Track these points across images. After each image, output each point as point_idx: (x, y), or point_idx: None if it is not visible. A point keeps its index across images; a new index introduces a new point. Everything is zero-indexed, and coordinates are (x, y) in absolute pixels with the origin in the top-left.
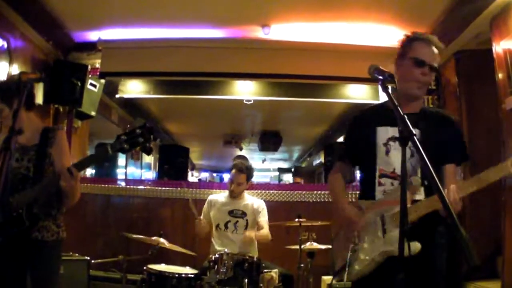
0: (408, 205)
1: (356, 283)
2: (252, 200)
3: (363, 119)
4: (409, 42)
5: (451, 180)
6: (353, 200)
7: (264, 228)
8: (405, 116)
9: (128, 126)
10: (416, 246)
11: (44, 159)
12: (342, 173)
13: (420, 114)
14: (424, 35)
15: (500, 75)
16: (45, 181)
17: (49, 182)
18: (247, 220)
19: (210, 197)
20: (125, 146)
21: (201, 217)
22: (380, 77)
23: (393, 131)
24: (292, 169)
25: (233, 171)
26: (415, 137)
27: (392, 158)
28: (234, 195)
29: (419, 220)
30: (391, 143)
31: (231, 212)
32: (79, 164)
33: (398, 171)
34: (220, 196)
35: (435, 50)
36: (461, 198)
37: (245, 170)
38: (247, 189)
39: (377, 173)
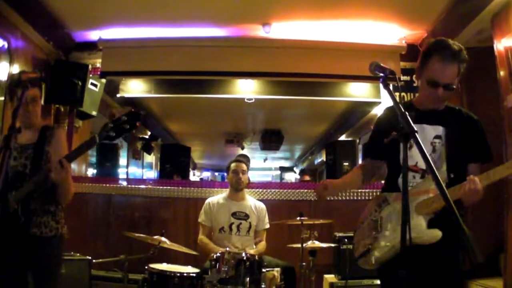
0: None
1: (380, 271)
2: (254, 202)
3: (388, 117)
4: (426, 57)
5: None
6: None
7: (263, 241)
8: (407, 113)
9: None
10: (436, 233)
11: (41, 156)
12: (364, 169)
13: (445, 111)
14: (443, 45)
15: (502, 73)
16: (36, 175)
17: (40, 175)
18: (250, 222)
19: (210, 200)
20: (111, 133)
21: (200, 220)
22: (381, 74)
23: (417, 128)
24: (296, 167)
25: (233, 164)
26: (416, 133)
27: (414, 152)
28: (241, 187)
29: (443, 211)
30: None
31: (234, 214)
32: (69, 155)
33: (421, 165)
34: (219, 198)
35: (453, 65)
36: (483, 188)
37: (244, 160)
38: (248, 187)
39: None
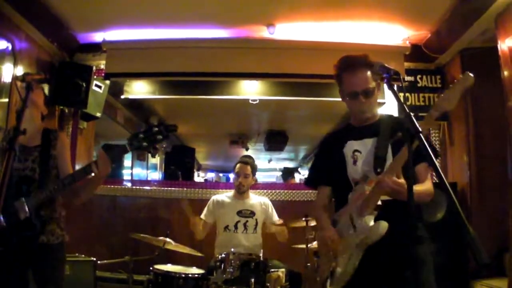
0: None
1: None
2: (258, 199)
3: (329, 141)
4: (338, 80)
5: (424, 178)
6: None
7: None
8: (411, 114)
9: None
10: (382, 225)
11: (48, 161)
12: (321, 200)
13: (379, 121)
14: (345, 61)
15: (506, 73)
16: (68, 177)
17: (75, 175)
18: (256, 219)
19: (215, 197)
20: (144, 143)
21: (202, 216)
22: (386, 75)
23: (357, 144)
24: (301, 168)
25: (238, 165)
26: (421, 134)
27: (359, 167)
28: (243, 190)
29: (385, 206)
30: (356, 153)
31: (239, 212)
32: (111, 155)
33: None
34: (224, 196)
35: (361, 70)
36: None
37: (249, 162)
38: (254, 188)
39: (351, 183)
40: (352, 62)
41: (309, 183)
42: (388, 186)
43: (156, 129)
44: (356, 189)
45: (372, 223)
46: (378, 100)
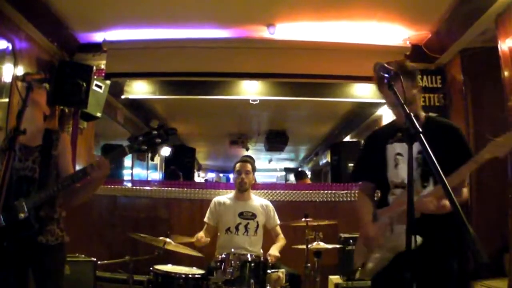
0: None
1: (373, 280)
2: (260, 201)
3: (373, 139)
4: (380, 84)
5: (462, 183)
6: None
7: (280, 234)
8: (411, 114)
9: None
10: (418, 239)
11: (49, 161)
12: (365, 190)
13: (423, 125)
14: (387, 71)
15: (506, 73)
16: (66, 178)
17: (73, 177)
18: (257, 221)
19: (216, 199)
20: (143, 147)
21: (205, 219)
22: (386, 75)
23: (399, 147)
24: (301, 168)
25: (238, 164)
26: (421, 135)
27: (400, 170)
28: (245, 188)
29: (422, 216)
30: (398, 157)
31: (240, 214)
32: (111, 156)
33: (405, 181)
34: (225, 198)
35: (403, 80)
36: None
37: (249, 159)
38: (254, 188)
39: (390, 185)
40: (388, 75)
41: (353, 175)
42: (430, 211)
43: (156, 132)
44: (401, 195)
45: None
46: (379, 101)
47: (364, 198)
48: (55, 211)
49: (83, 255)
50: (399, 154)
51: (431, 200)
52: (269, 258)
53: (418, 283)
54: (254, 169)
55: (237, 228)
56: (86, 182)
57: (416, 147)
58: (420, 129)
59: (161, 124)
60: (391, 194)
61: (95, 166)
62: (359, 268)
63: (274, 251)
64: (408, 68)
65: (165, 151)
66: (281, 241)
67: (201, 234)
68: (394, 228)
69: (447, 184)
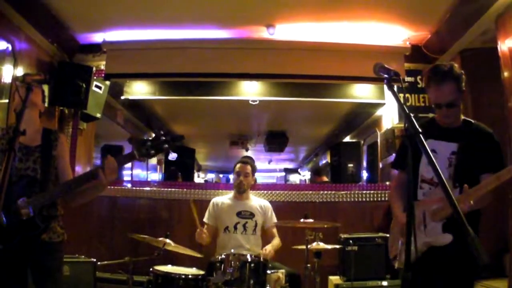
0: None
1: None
2: (258, 201)
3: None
4: (427, 87)
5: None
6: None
7: (276, 236)
8: (411, 115)
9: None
10: (448, 237)
11: (50, 162)
12: (399, 180)
13: (461, 128)
14: (435, 71)
15: (506, 73)
16: (75, 180)
17: (82, 179)
18: (256, 221)
19: (215, 199)
20: (152, 151)
21: (205, 219)
22: (386, 75)
23: (435, 144)
24: (301, 169)
25: (238, 165)
26: (421, 135)
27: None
28: (243, 189)
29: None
30: (432, 154)
31: (239, 214)
32: (119, 160)
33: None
34: (224, 198)
35: (447, 83)
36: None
37: (249, 161)
38: (253, 189)
39: (419, 179)
40: (439, 75)
41: (392, 164)
42: (463, 210)
43: (164, 138)
44: (436, 193)
45: (440, 229)
46: (378, 101)
47: (397, 188)
48: (57, 209)
49: (83, 256)
50: (433, 151)
51: (463, 200)
52: (264, 251)
53: (444, 278)
54: (254, 170)
55: (235, 227)
56: (92, 184)
57: (450, 147)
58: (420, 130)
59: (168, 131)
60: (419, 188)
61: (106, 169)
62: (393, 259)
63: (270, 250)
64: (455, 72)
65: (172, 156)
66: (275, 241)
67: (204, 230)
68: (427, 225)
69: (447, 185)
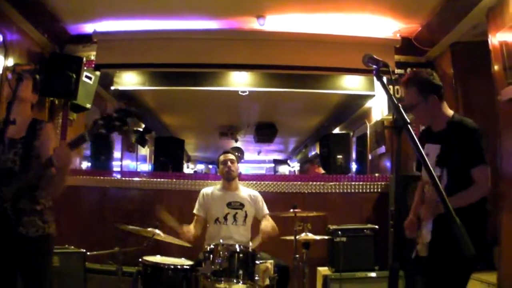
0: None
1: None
2: (247, 191)
3: (420, 137)
4: None
5: (475, 181)
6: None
7: (273, 224)
8: (400, 105)
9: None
10: (428, 235)
11: (31, 152)
12: (421, 181)
13: (446, 129)
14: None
15: (496, 67)
16: (32, 170)
17: (36, 168)
18: (246, 211)
19: (204, 190)
20: (102, 131)
21: (195, 211)
22: (374, 66)
23: (428, 148)
24: (290, 160)
25: (221, 156)
26: (409, 125)
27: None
28: (232, 176)
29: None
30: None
31: (229, 204)
32: (71, 143)
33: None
34: (213, 189)
35: (407, 90)
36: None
37: (230, 150)
38: (241, 180)
39: (423, 179)
40: (405, 80)
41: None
42: (427, 218)
43: (115, 115)
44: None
45: (425, 230)
46: (368, 93)
47: (419, 187)
48: (38, 203)
49: (72, 247)
50: (427, 154)
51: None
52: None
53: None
54: (238, 159)
55: (225, 218)
56: (55, 171)
57: (436, 150)
58: (409, 121)
59: (122, 107)
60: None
61: (56, 155)
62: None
63: (266, 227)
64: (417, 77)
65: (133, 137)
66: (274, 225)
67: (189, 227)
68: (422, 225)
69: (435, 176)
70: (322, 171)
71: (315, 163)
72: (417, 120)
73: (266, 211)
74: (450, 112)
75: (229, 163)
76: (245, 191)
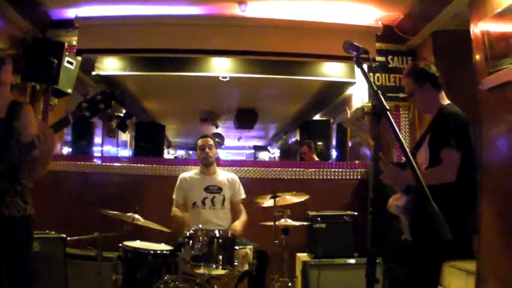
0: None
1: None
2: (225, 175)
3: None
4: None
5: (443, 162)
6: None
7: (242, 211)
8: (379, 92)
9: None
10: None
11: (10, 134)
12: None
13: (434, 117)
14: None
15: (478, 56)
16: (10, 153)
17: (22, 149)
18: (224, 195)
19: (182, 175)
20: (86, 113)
21: (174, 196)
22: (355, 53)
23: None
24: (271, 147)
25: (199, 140)
26: (388, 112)
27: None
28: (210, 161)
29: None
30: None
31: (206, 189)
32: (54, 126)
33: None
34: (191, 173)
35: (405, 80)
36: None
37: (208, 135)
38: (222, 165)
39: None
40: (405, 71)
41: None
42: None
43: (99, 97)
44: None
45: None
46: (349, 80)
47: None
48: (19, 184)
49: (53, 232)
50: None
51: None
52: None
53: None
54: (216, 144)
55: (203, 202)
56: (38, 154)
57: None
58: (387, 107)
59: (105, 89)
60: None
61: (41, 137)
62: None
63: (237, 227)
64: (411, 68)
65: (115, 122)
66: (243, 217)
67: (186, 214)
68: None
69: (411, 160)
70: (316, 158)
71: (312, 148)
72: (416, 108)
73: (242, 195)
74: (446, 102)
75: (206, 149)
76: (223, 175)
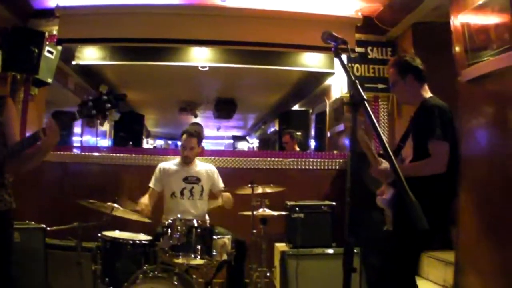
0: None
1: None
2: (204, 166)
3: None
4: None
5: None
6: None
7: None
8: (357, 82)
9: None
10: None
11: None
12: None
13: (416, 110)
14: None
15: (457, 48)
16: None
17: (25, 143)
18: (202, 186)
19: (161, 165)
20: (93, 111)
21: (150, 184)
22: (333, 43)
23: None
24: (249, 137)
25: (184, 136)
26: (366, 102)
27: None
28: (188, 161)
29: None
30: None
31: (185, 179)
32: (61, 123)
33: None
34: (171, 163)
35: (391, 69)
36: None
37: (195, 134)
38: (201, 156)
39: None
40: (390, 62)
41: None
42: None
43: (106, 97)
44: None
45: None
46: (328, 70)
47: None
48: (4, 177)
49: (33, 222)
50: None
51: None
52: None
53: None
54: (200, 140)
55: (182, 192)
56: (36, 148)
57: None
58: (365, 97)
59: (110, 90)
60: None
61: (46, 131)
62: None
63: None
64: (395, 60)
65: (115, 116)
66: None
67: (146, 203)
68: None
69: (389, 152)
70: (297, 148)
71: (295, 137)
72: (398, 99)
73: (221, 185)
74: (428, 95)
75: (187, 150)
76: (202, 166)
